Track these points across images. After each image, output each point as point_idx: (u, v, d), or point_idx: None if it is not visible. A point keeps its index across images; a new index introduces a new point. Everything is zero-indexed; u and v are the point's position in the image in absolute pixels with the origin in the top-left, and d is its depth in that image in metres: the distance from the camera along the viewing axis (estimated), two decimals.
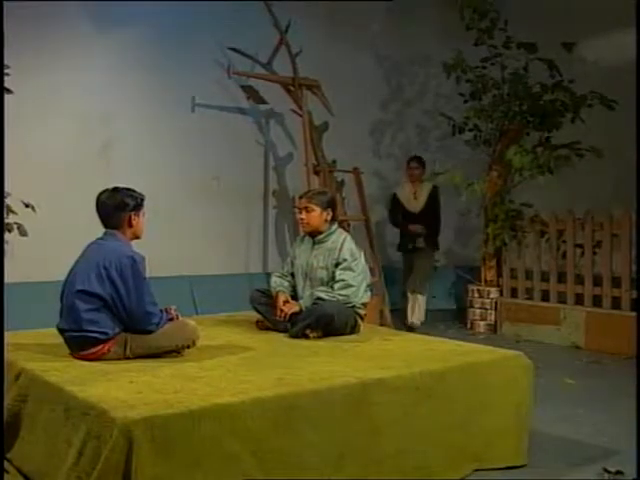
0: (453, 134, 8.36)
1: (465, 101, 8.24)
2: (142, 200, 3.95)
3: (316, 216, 4.77)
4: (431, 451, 3.59)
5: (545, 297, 7.78)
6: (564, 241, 7.67)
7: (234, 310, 5.56)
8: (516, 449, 3.92)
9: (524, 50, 7.80)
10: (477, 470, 3.76)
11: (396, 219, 8.36)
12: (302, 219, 4.84)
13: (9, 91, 5.99)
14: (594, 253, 7.40)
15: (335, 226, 4.80)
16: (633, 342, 6.05)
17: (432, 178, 8.26)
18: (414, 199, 8.19)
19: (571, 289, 7.52)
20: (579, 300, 7.47)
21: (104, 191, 3.91)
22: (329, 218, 4.77)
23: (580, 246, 7.53)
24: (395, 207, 8.34)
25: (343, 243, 4.68)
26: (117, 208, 3.85)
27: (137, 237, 3.98)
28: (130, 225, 3.88)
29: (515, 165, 7.60)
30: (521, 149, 7.57)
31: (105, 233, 3.89)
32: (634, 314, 6.66)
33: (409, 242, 8.20)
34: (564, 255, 7.67)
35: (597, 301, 7.31)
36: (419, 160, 8.27)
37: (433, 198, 8.18)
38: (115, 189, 3.90)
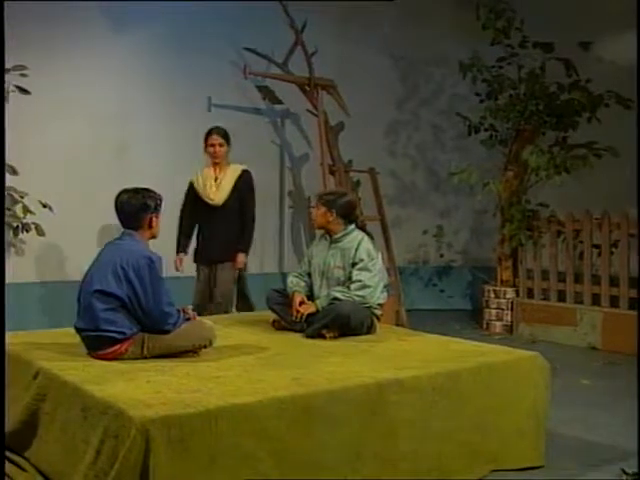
0: (469, 134, 8.33)
1: (481, 101, 8.21)
2: (161, 201, 3.99)
3: (320, 215, 4.80)
4: (448, 452, 3.59)
5: (561, 297, 7.74)
6: (581, 241, 7.63)
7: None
8: (533, 450, 3.91)
9: (540, 49, 7.77)
10: (494, 471, 3.75)
11: (184, 217, 6.27)
12: (313, 216, 4.96)
13: (26, 92, 6.04)
14: (611, 253, 7.36)
15: (352, 226, 4.79)
16: None
17: (450, 178, 8.22)
18: (214, 188, 6.07)
19: (588, 289, 7.48)
20: (596, 301, 7.42)
21: (124, 192, 3.93)
22: (332, 219, 4.77)
23: (597, 246, 7.48)
24: (188, 200, 6.26)
25: (360, 243, 4.68)
26: (140, 210, 3.88)
27: (154, 237, 4.01)
28: (150, 226, 3.92)
29: (531, 165, 7.56)
30: (537, 149, 7.54)
31: (123, 233, 3.91)
32: None
33: (203, 250, 6.22)
34: (581, 255, 7.63)
35: (614, 301, 7.26)
36: (222, 133, 6.15)
37: (243, 186, 6.11)
38: (136, 190, 3.92)
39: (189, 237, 6.27)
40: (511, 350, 4.25)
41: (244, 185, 6.13)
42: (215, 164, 6.14)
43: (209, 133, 6.14)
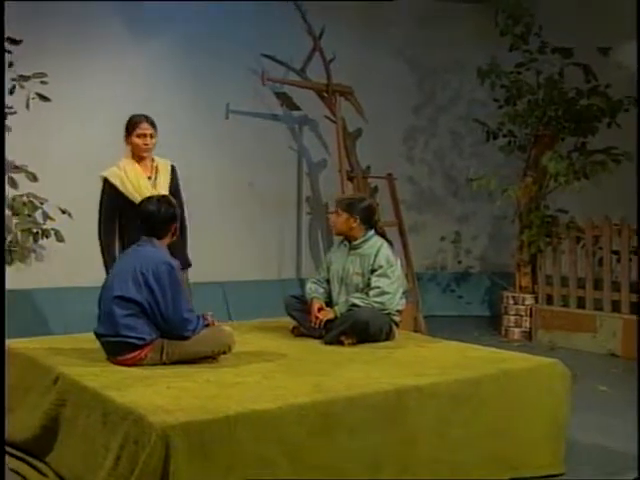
0: (487, 140, 8.31)
1: (499, 107, 8.18)
2: (178, 209, 4.04)
3: (342, 221, 4.77)
4: (467, 459, 3.57)
5: (581, 304, 7.69)
6: (600, 247, 7.58)
7: (267, 316, 5.57)
8: (553, 457, 3.89)
9: (559, 55, 7.73)
10: (514, 479, 3.73)
11: (106, 227, 5.02)
12: (332, 222, 4.95)
13: (47, 99, 6.08)
14: (630, 259, 7.31)
15: (371, 232, 4.78)
16: None
17: (469, 184, 8.20)
18: (150, 188, 4.88)
19: (607, 296, 7.42)
20: (616, 307, 7.37)
21: (147, 201, 3.98)
22: (355, 225, 4.76)
23: (616, 252, 7.44)
24: (110, 205, 4.97)
25: (379, 249, 4.66)
26: (169, 220, 3.95)
27: (171, 243, 4.05)
28: (174, 234, 3.96)
29: (551, 171, 7.53)
30: (557, 155, 7.50)
31: (142, 239, 3.93)
32: None
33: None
34: (600, 261, 7.59)
35: (634, 308, 7.21)
36: (152, 122, 5.11)
37: (176, 184, 5.15)
38: (160, 200, 3.98)
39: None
40: (531, 357, 4.23)
41: (176, 183, 5.16)
42: (141, 158, 5.03)
43: (138, 121, 5.03)
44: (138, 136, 4.98)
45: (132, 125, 5.02)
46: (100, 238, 4.98)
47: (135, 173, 4.94)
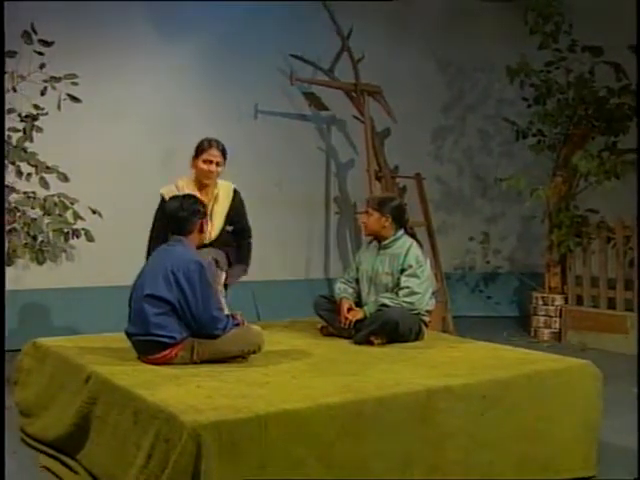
0: (517, 139, 8.26)
1: (529, 106, 8.13)
2: (207, 207, 4.06)
3: (374, 221, 4.78)
4: (497, 460, 3.55)
5: (611, 305, 7.62)
6: (631, 247, 7.50)
7: (296, 316, 5.58)
8: (585, 460, 3.85)
9: (589, 53, 7.67)
10: None
11: (158, 242, 4.37)
12: (363, 222, 4.92)
13: (77, 100, 6.12)
14: None
15: (401, 232, 4.77)
16: None
17: (498, 184, 8.15)
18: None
19: (638, 296, 7.35)
20: None
21: (172, 199, 4.01)
22: (387, 224, 4.75)
23: None
24: (163, 218, 4.44)
25: (409, 249, 4.66)
26: (191, 215, 3.95)
27: (202, 242, 4.08)
28: (201, 231, 3.97)
29: (581, 170, 7.46)
30: (587, 154, 7.44)
31: (172, 239, 3.96)
32: None
33: None
34: (631, 262, 7.51)
35: None
36: (222, 148, 5.00)
37: (237, 210, 5.08)
38: (184, 197, 4.01)
39: None
40: (561, 358, 4.19)
41: (238, 208, 5.07)
42: (203, 185, 4.94)
43: (207, 146, 4.93)
44: (204, 161, 4.88)
45: (200, 149, 4.93)
46: (147, 253, 4.74)
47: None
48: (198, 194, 4.65)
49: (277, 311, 6.83)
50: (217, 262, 4.75)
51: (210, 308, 3.76)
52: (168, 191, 4.83)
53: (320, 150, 8.64)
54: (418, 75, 9.00)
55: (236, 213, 5.02)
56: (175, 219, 3.95)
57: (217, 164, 4.89)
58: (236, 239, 5.08)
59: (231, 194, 5.01)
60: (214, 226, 4.85)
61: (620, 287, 7.52)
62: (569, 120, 7.89)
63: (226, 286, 4.96)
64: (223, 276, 4.83)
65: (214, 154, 4.88)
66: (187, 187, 4.84)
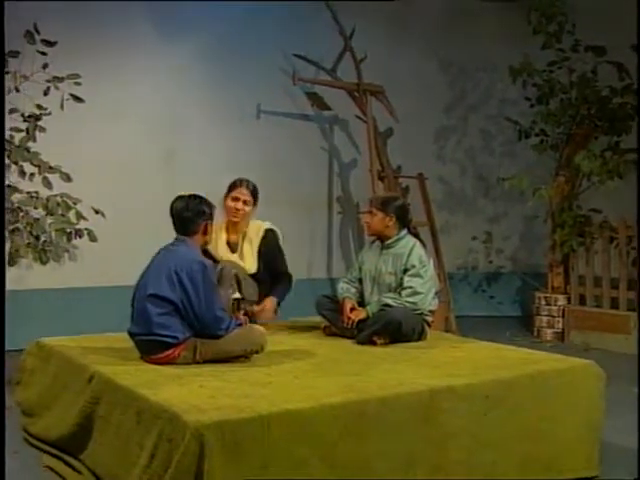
0: (519, 139, 8.26)
1: (531, 105, 8.13)
2: (214, 209, 4.04)
3: (377, 221, 4.76)
4: (500, 460, 3.54)
5: (614, 305, 7.61)
6: (634, 247, 7.50)
7: (298, 316, 5.57)
8: (587, 460, 3.85)
9: (592, 53, 7.67)
10: None
11: None
12: (366, 222, 4.90)
13: (80, 100, 6.13)
14: None
15: (404, 232, 4.77)
16: None
17: (500, 184, 8.14)
18: (228, 253, 4.93)
19: (638, 296, 7.34)
20: None
21: (179, 198, 3.99)
22: (391, 224, 4.75)
23: None
24: None
25: (412, 249, 4.65)
26: (196, 216, 3.93)
27: (206, 244, 4.07)
28: (205, 233, 3.96)
29: (584, 170, 7.46)
30: (590, 154, 7.43)
31: (176, 239, 3.95)
32: None
33: None
34: (634, 262, 7.51)
35: None
36: (252, 188, 4.99)
37: (269, 251, 4.99)
38: (190, 197, 3.97)
39: None
40: (565, 358, 4.19)
41: (270, 247, 4.97)
42: (232, 223, 4.93)
43: (236, 184, 4.94)
44: (232, 199, 4.89)
45: (230, 187, 4.95)
46: None
47: (216, 235, 4.78)
48: (224, 231, 4.84)
49: (280, 311, 6.81)
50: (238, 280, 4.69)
51: (213, 308, 3.76)
52: None
53: (323, 150, 8.64)
54: (420, 75, 9.00)
55: (268, 252, 4.95)
56: (179, 219, 3.94)
57: (245, 202, 4.87)
58: (272, 282, 5.01)
59: (261, 233, 4.96)
60: (246, 266, 4.85)
61: (623, 287, 7.51)
62: (572, 120, 7.89)
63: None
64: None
65: (242, 192, 4.88)
66: (218, 225, 4.80)
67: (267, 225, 5.02)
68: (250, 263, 4.87)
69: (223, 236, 4.92)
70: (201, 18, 7.59)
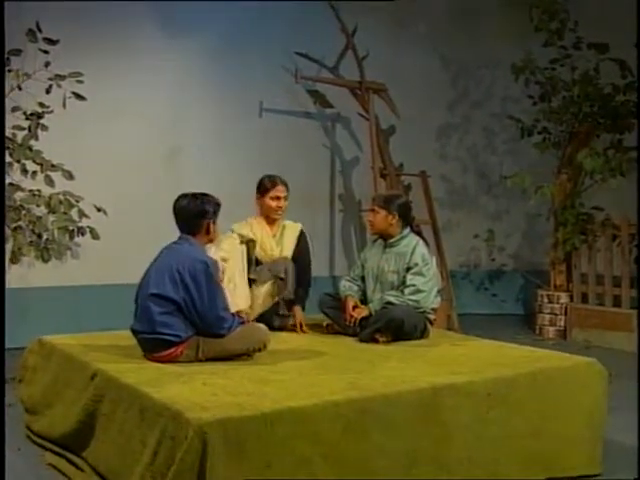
0: (522, 137, 8.25)
1: (534, 103, 8.13)
2: (219, 206, 4.01)
3: (380, 219, 4.76)
4: (502, 458, 3.55)
5: (617, 302, 7.61)
6: (636, 245, 7.50)
7: None
8: (589, 458, 3.84)
9: (595, 51, 7.66)
10: (549, 478, 3.69)
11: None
12: (369, 220, 4.90)
13: (82, 98, 6.13)
14: None
15: (407, 230, 4.77)
16: None
17: (503, 182, 8.14)
18: (277, 249, 5.12)
19: (638, 294, 7.34)
20: None
21: (182, 197, 3.97)
22: (394, 222, 4.75)
23: None
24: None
25: (415, 247, 4.65)
26: (198, 215, 3.91)
27: (211, 242, 4.07)
28: (208, 232, 3.95)
29: (586, 168, 7.45)
30: (592, 152, 7.43)
31: (180, 237, 3.94)
32: None
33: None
34: (637, 259, 7.50)
35: None
36: (287, 184, 5.19)
37: (303, 248, 5.23)
38: (194, 195, 3.95)
39: None
40: (567, 356, 4.19)
41: (304, 247, 5.21)
42: (272, 220, 5.15)
43: (273, 183, 5.09)
44: (272, 198, 5.06)
45: (266, 186, 5.09)
46: None
47: (261, 232, 5.06)
48: (268, 227, 5.09)
49: None
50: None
51: (216, 308, 3.76)
52: (239, 227, 5.07)
53: (325, 148, 8.64)
54: (422, 73, 8.99)
55: (299, 253, 5.15)
56: (182, 218, 3.93)
57: (285, 199, 5.11)
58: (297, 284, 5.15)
59: (297, 234, 5.20)
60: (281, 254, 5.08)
61: (625, 285, 7.51)
62: (574, 117, 7.88)
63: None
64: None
65: (280, 190, 5.08)
66: (258, 223, 5.10)
67: (300, 226, 5.27)
68: (287, 254, 5.09)
69: (267, 230, 5.12)
70: (204, 17, 7.58)
